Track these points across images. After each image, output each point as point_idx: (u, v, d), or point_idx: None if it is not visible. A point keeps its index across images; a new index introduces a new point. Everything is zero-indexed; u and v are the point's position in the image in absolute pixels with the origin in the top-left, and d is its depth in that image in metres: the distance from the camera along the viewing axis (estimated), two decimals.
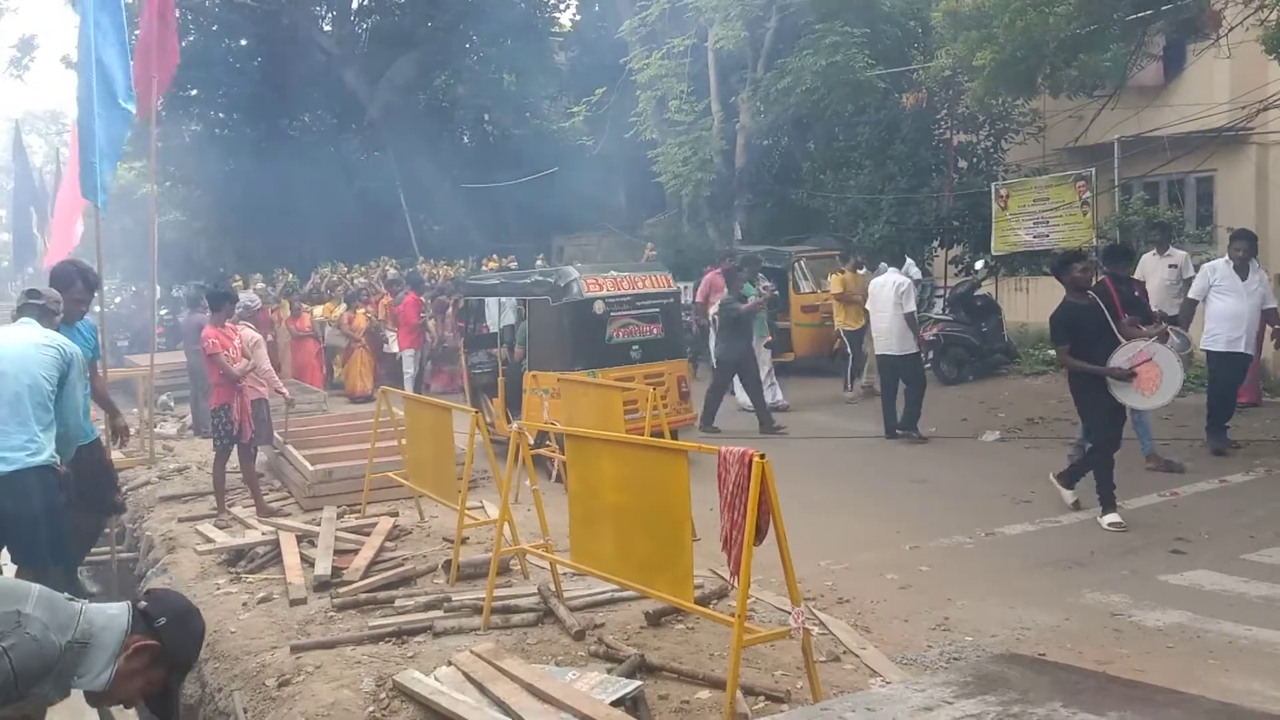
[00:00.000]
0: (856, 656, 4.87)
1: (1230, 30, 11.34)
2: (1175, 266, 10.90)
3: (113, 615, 2.72)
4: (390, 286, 17.30)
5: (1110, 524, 7.04)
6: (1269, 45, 10.19)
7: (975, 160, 17.14)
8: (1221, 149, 14.22)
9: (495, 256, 21.19)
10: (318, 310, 16.98)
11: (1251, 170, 14.83)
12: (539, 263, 19.09)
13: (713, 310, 12.88)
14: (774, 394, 12.50)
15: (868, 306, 11.30)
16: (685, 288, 15.15)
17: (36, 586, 2.71)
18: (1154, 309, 11.07)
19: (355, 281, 19.23)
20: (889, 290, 10.43)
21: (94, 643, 2.66)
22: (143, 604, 2.78)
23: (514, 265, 19.50)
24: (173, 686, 2.84)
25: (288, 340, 15.89)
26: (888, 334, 10.48)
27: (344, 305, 16.48)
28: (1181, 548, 6.43)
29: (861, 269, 12.59)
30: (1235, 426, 9.55)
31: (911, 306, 10.48)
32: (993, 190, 15.10)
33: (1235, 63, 13.02)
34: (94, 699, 2.73)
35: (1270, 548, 6.30)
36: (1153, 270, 11.01)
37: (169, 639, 2.75)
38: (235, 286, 17.87)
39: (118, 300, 24.57)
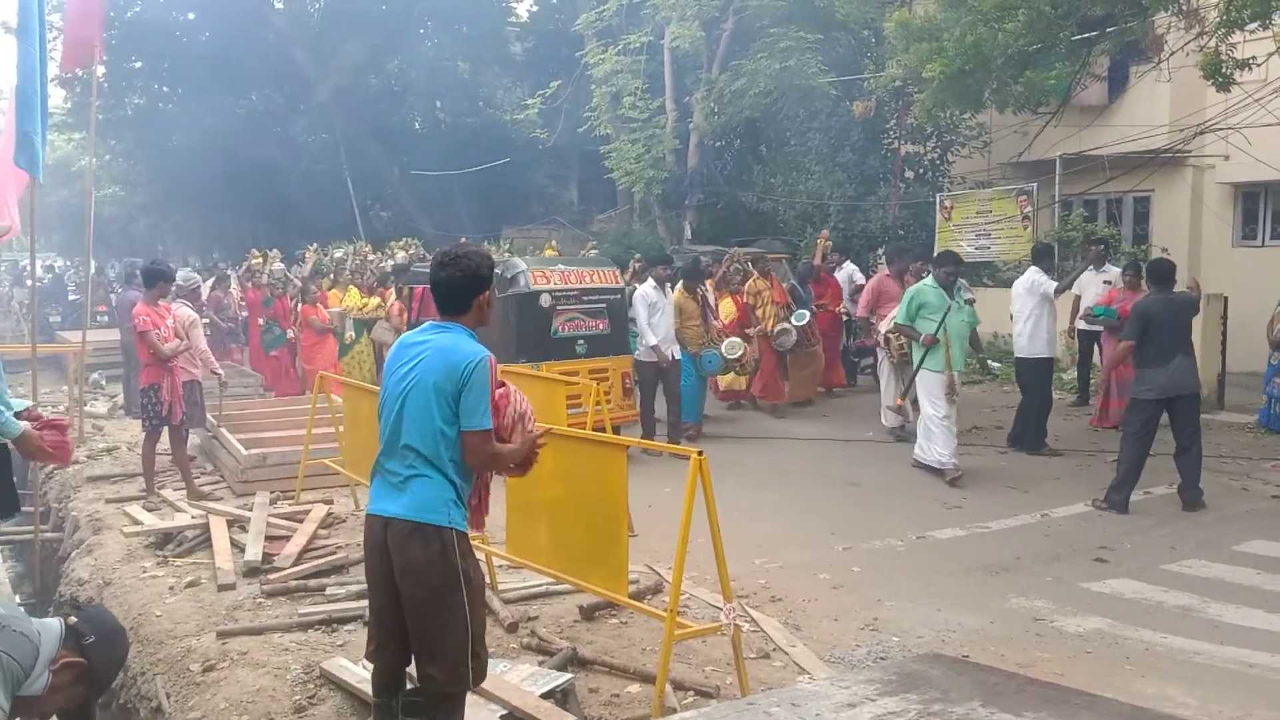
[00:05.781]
0: (786, 654, 4.93)
1: (1171, 55, 11.64)
2: (1109, 282, 11.22)
3: (47, 624, 2.73)
4: (397, 275, 13.93)
5: None
6: (1207, 71, 10.48)
7: (922, 171, 17.40)
8: (1159, 170, 14.60)
9: (553, 244, 19.27)
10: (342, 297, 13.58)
11: (1187, 192, 15.24)
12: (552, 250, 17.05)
13: (885, 328, 9.81)
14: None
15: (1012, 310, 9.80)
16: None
17: None
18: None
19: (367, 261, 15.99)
20: (1026, 287, 9.67)
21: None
22: (73, 619, 2.78)
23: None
24: (90, 704, 2.84)
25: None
26: (1029, 335, 9.62)
27: (394, 294, 13.08)
28: (1104, 556, 6.60)
29: None
30: (1160, 441, 9.76)
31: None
32: (937, 201, 15.36)
33: (1175, 87, 13.37)
34: (19, 710, 2.72)
35: (1189, 559, 6.50)
36: (1089, 285, 11.33)
37: (95, 658, 2.75)
38: (255, 262, 15.25)
39: (48, 278, 23.93)
